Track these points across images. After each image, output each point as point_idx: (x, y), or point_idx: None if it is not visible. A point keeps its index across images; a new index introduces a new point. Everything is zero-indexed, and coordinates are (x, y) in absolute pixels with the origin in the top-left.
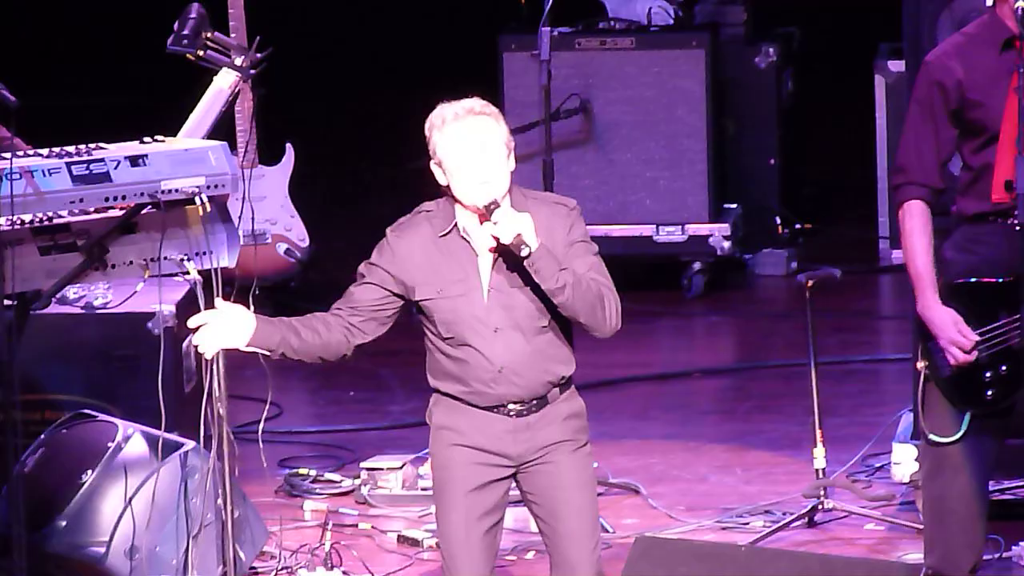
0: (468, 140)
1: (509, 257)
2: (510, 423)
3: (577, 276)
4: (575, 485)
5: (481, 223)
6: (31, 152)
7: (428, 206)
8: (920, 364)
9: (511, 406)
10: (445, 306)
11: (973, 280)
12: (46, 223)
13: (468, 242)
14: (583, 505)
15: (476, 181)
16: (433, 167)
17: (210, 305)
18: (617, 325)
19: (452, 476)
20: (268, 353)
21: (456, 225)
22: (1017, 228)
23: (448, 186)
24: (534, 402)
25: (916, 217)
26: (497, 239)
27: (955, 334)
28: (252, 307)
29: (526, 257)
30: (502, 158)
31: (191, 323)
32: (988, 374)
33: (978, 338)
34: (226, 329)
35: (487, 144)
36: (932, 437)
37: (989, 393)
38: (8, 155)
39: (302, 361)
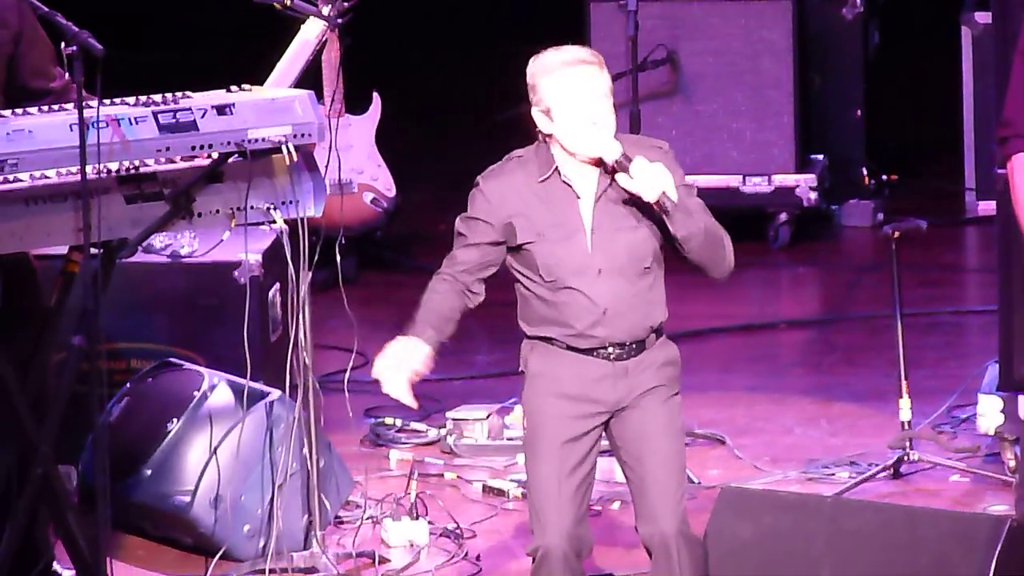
0: (580, 86)
1: (611, 200)
2: (609, 367)
3: (707, 223)
4: (665, 433)
5: (610, 172)
6: (117, 101)
7: (519, 152)
8: None
9: (611, 349)
10: (546, 250)
11: None
12: (132, 172)
13: (570, 186)
14: (671, 454)
15: (587, 123)
16: (536, 114)
17: (295, 254)
18: (731, 267)
19: (545, 427)
20: None
21: (556, 170)
22: None
23: (550, 134)
24: (633, 346)
25: None
26: (631, 192)
27: None
28: (338, 256)
29: (666, 211)
30: (610, 104)
31: (375, 374)
32: None
33: None
34: (407, 364)
35: (597, 90)
36: None
37: None
38: (95, 103)
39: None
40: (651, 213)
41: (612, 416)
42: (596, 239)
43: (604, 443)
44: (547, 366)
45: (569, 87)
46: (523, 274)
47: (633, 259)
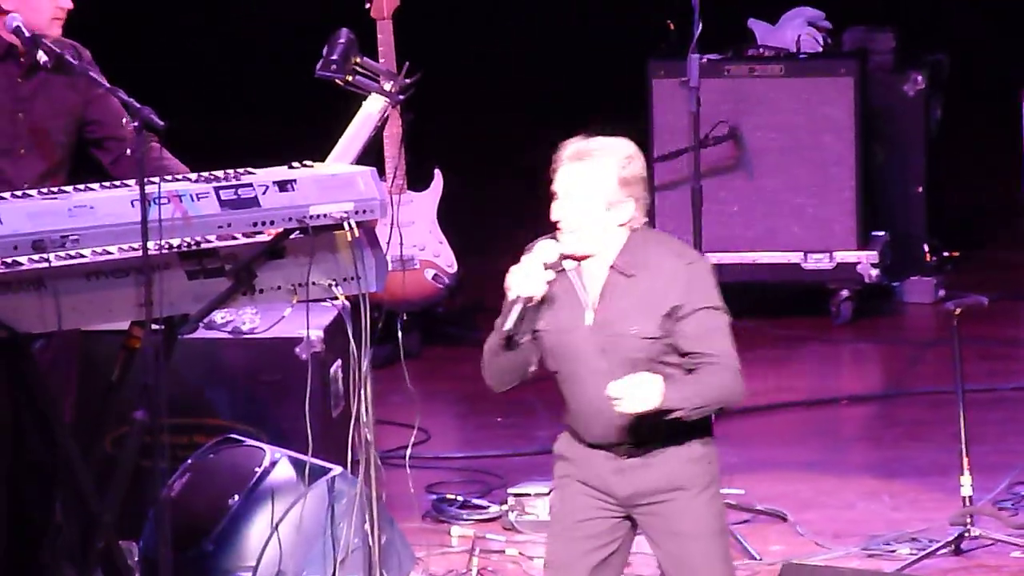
0: (558, 183)
1: (617, 295)
2: (615, 463)
3: (698, 395)
4: (694, 535)
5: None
6: (179, 176)
7: (548, 236)
8: None
9: (618, 445)
10: (552, 340)
11: None
12: (194, 248)
13: (576, 279)
14: (705, 557)
15: (558, 224)
16: None
17: (357, 330)
18: (740, 398)
19: (561, 505)
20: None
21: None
22: None
23: None
24: (641, 443)
25: None
26: None
27: None
28: (400, 334)
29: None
30: (590, 208)
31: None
32: None
33: None
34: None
35: (572, 191)
36: None
37: None
38: (156, 180)
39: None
40: (649, 322)
41: (634, 514)
42: (594, 338)
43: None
44: (567, 449)
45: (555, 181)
46: (547, 358)
47: (629, 363)
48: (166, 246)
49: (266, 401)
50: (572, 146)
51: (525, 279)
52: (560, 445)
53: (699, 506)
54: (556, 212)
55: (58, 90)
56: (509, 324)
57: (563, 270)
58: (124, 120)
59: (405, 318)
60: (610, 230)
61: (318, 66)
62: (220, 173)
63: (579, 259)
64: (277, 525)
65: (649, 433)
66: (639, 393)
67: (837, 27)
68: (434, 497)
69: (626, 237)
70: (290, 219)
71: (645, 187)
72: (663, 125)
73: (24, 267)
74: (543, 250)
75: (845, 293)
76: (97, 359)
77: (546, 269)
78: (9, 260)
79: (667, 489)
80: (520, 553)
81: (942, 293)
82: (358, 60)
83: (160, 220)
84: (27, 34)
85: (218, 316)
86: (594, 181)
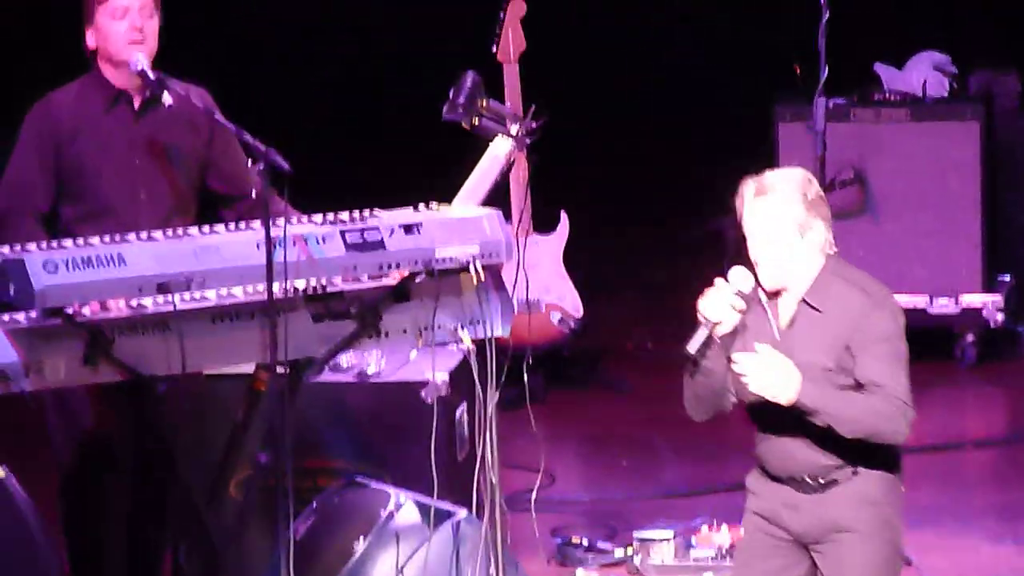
0: (748, 223)
1: (804, 327)
2: (791, 496)
3: (844, 406)
4: None
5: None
6: (305, 219)
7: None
8: None
9: (796, 479)
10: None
11: None
12: (319, 290)
13: (765, 309)
14: None
15: (754, 257)
16: None
17: (483, 374)
18: (902, 434)
19: (745, 539)
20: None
21: (759, 293)
22: None
23: None
24: (818, 479)
25: None
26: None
27: None
28: (526, 377)
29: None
30: (785, 237)
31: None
32: None
33: None
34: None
35: (765, 225)
36: None
37: None
38: (282, 222)
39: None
40: (832, 355)
41: (810, 548)
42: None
43: None
44: (754, 483)
45: (744, 220)
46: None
47: None
48: (291, 289)
49: (391, 444)
50: (750, 185)
51: (715, 304)
52: (750, 479)
53: (866, 551)
54: (755, 251)
55: (178, 131)
56: (693, 347)
57: (757, 300)
58: (248, 163)
59: (531, 361)
60: (807, 257)
61: (444, 109)
62: (346, 215)
63: (773, 295)
64: (403, 568)
65: (828, 471)
66: (770, 375)
67: (962, 70)
68: (559, 540)
69: (819, 267)
70: (416, 262)
71: (828, 207)
72: None
73: (149, 310)
74: (737, 277)
75: (970, 337)
76: (219, 401)
77: (738, 297)
78: (134, 303)
79: (835, 530)
80: None
81: None
82: (484, 103)
83: (285, 262)
84: (152, 76)
85: (343, 359)
86: (784, 210)
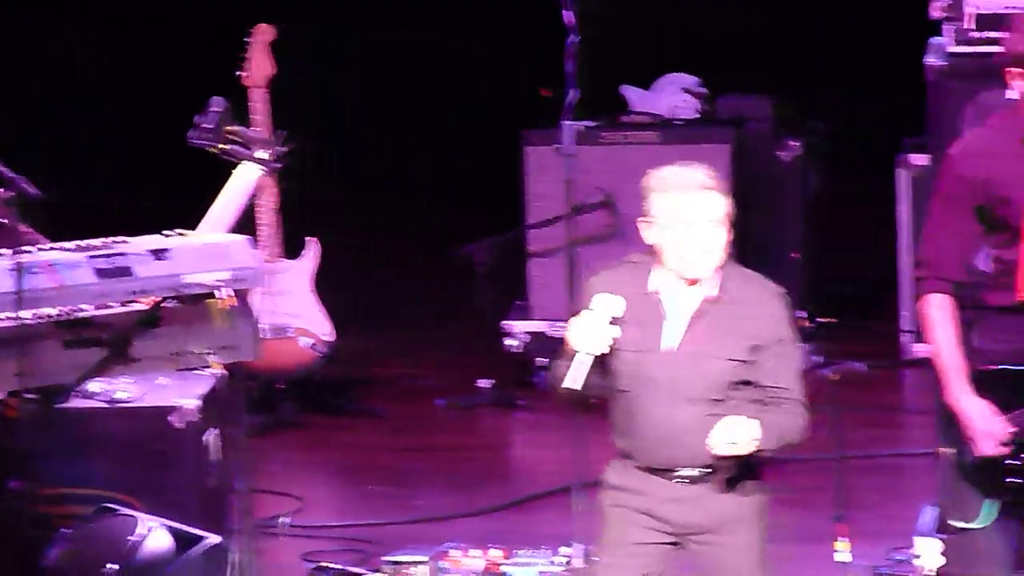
0: (697, 212)
1: (708, 319)
2: (675, 490)
3: (781, 438)
4: (736, 571)
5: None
6: (54, 246)
7: (635, 258)
8: (945, 451)
9: (679, 471)
10: (629, 358)
11: (1002, 368)
12: (69, 317)
13: (661, 303)
14: None
15: (695, 248)
16: (643, 224)
17: (232, 399)
18: (802, 439)
19: (612, 533)
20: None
21: (652, 285)
22: None
23: (653, 245)
24: (704, 471)
25: (939, 309)
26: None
27: (989, 425)
28: (277, 403)
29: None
30: (723, 231)
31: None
32: (1013, 462)
33: (1014, 429)
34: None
35: (715, 217)
36: (957, 524)
37: (1014, 481)
38: (32, 249)
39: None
40: (740, 347)
41: (683, 540)
42: (675, 361)
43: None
44: (620, 479)
45: (684, 209)
46: (614, 378)
47: (710, 386)
48: (42, 316)
49: (142, 470)
50: (691, 176)
51: (589, 336)
52: (611, 475)
53: (751, 544)
54: (706, 239)
55: None
56: (575, 383)
57: (645, 292)
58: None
59: (282, 387)
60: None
61: (191, 133)
62: (96, 242)
63: (693, 283)
64: None
65: (711, 464)
66: (740, 435)
67: (713, 93)
68: (311, 566)
69: (722, 262)
70: (165, 288)
71: None
72: (538, 193)
73: None
74: (607, 305)
75: None
76: None
77: (613, 324)
78: None
79: (722, 523)
80: None
81: (819, 360)
82: (232, 128)
83: (35, 289)
84: None
85: (93, 386)
86: (724, 200)
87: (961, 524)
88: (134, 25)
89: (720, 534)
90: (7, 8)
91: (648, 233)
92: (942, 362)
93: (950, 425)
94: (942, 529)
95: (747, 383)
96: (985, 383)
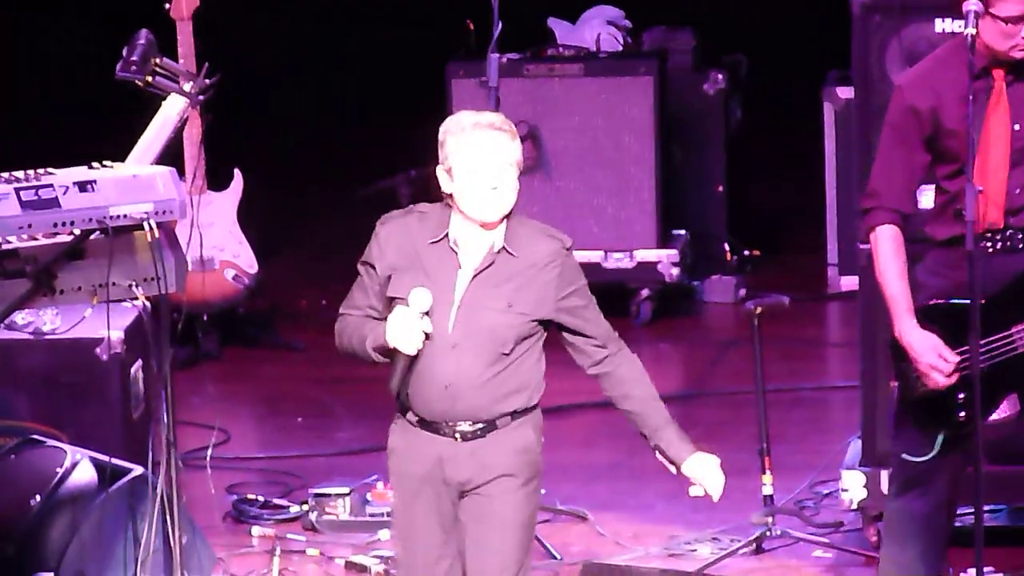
0: (485, 149)
1: (496, 271)
2: (453, 446)
3: (659, 403)
4: (503, 521)
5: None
6: None
7: (424, 207)
8: (893, 384)
9: (458, 426)
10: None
11: (947, 302)
12: None
13: (456, 253)
14: (504, 548)
15: (486, 187)
16: (440, 172)
17: (157, 331)
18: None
19: (403, 499)
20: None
21: (447, 234)
22: (989, 252)
23: (451, 194)
24: (480, 427)
25: (888, 241)
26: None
27: (936, 358)
28: (200, 333)
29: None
30: (513, 174)
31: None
32: (961, 395)
33: (958, 359)
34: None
35: (502, 156)
36: (904, 456)
37: (962, 414)
38: None
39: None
40: (529, 301)
41: (467, 495)
42: (460, 313)
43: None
44: (400, 439)
45: (474, 148)
46: None
47: (493, 341)
48: None
49: (67, 402)
50: (482, 116)
51: (407, 336)
52: (393, 439)
53: (520, 496)
54: (488, 181)
55: None
56: (400, 382)
57: (438, 241)
58: None
59: (206, 319)
60: (514, 198)
61: (118, 67)
62: (20, 174)
63: (492, 226)
64: (78, 526)
65: (488, 416)
66: (716, 467)
67: (637, 27)
68: (234, 498)
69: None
70: (90, 220)
71: None
72: None
73: None
74: (418, 301)
75: (645, 293)
76: None
77: (426, 319)
78: None
79: (498, 475)
80: (321, 553)
81: (743, 292)
82: (158, 61)
83: None
84: None
85: (18, 317)
86: (514, 149)
87: (909, 458)
88: (134, 24)
89: (489, 483)
90: (7, 8)
91: (443, 180)
92: (890, 294)
93: (899, 358)
94: (867, 462)
95: (531, 336)
96: (929, 317)
